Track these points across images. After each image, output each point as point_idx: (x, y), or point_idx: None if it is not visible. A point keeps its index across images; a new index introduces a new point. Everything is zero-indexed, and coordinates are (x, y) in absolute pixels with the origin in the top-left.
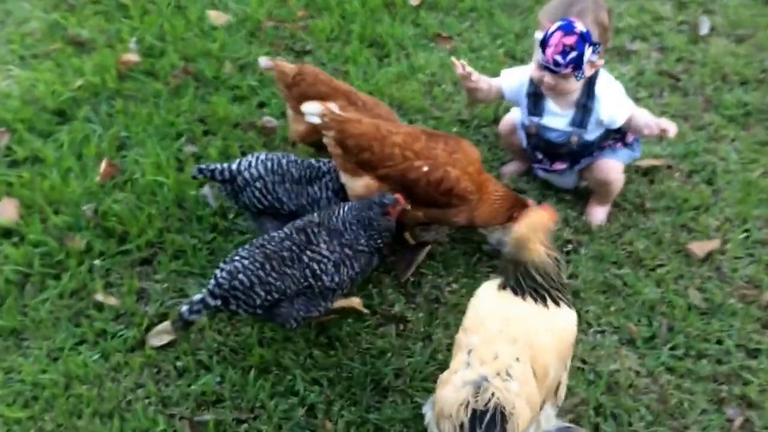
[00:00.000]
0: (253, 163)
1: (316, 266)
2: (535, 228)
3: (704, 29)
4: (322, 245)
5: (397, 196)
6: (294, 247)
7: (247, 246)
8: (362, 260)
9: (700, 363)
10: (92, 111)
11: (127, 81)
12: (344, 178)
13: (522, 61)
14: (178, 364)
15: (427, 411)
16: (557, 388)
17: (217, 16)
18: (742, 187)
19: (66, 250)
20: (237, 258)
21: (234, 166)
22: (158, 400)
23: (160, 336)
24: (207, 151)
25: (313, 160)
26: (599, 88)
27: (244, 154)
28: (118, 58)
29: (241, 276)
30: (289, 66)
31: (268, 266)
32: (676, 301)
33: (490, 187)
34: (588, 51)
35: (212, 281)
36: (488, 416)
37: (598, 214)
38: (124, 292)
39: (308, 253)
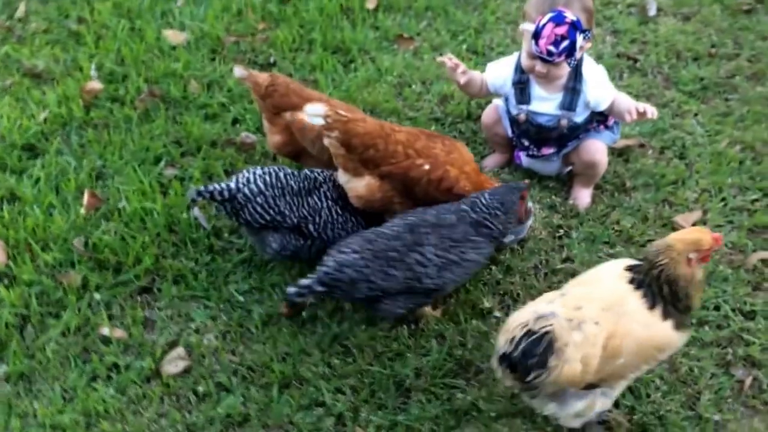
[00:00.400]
0: (252, 179)
1: (420, 269)
2: (687, 243)
3: (652, 11)
4: (429, 248)
5: (527, 182)
6: (401, 248)
7: (359, 237)
8: (485, 249)
9: (702, 330)
10: (63, 143)
11: (94, 109)
12: (345, 178)
13: (485, 56)
14: (198, 389)
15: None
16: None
17: (174, 36)
18: (713, 159)
19: (62, 287)
20: (348, 250)
21: (232, 185)
22: (184, 427)
23: (175, 363)
24: (189, 173)
25: (308, 171)
26: (586, 70)
27: (227, 172)
28: (82, 86)
29: (347, 270)
30: (262, 76)
31: (374, 265)
32: None
33: (487, 186)
34: (579, 38)
35: (323, 268)
36: (535, 337)
37: (584, 197)
38: (129, 323)
39: (414, 255)
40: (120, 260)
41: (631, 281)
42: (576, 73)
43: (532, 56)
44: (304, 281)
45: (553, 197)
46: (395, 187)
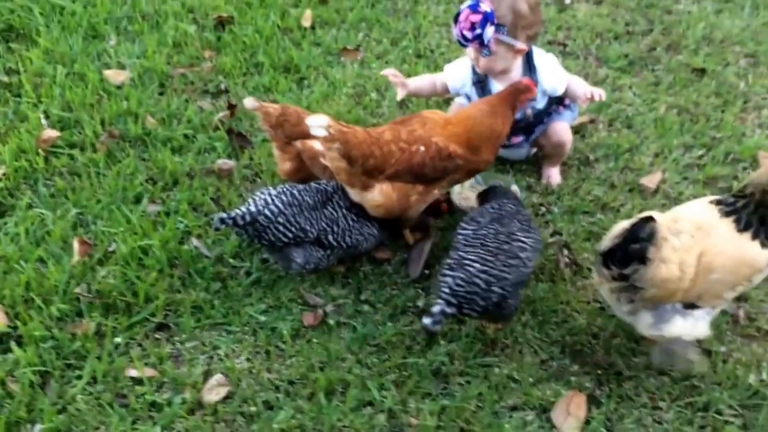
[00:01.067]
0: (270, 201)
1: (523, 255)
2: None
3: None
4: (520, 234)
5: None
6: (506, 239)
7: (460, 246)
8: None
9: None
10: (34, 196)
11: (55, 158)
12: (356, 195)
13: (428, 58)
14: (246, 410)
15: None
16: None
17: (115, 75)
18: (657, 125)
19: (77, 337)
20: (466, 262)
21: (252, 208)
22: None
23: (216, 391)
24: (173, 206)
25: (316, 185)
26: (537, 60)
27: (214, 200)
28: (38, 137)
29: (476, 279)
30: (273, 107)
31: (497, 262)
32: None
33: (459, 133)
34: (490, 29)
35: (445, 290)
36: (638, 224)
37: (555, 175)
38: (155, 361)
39: (515, 243)
40: (129, 301)
41: (728, 213)
42: (529, 66)
43: (459, 43)
44: (435, 308)
45: (528, 179)
46: (407, 181)
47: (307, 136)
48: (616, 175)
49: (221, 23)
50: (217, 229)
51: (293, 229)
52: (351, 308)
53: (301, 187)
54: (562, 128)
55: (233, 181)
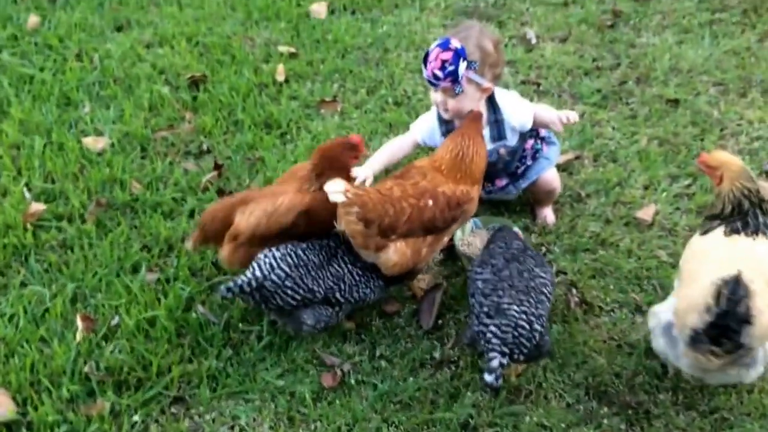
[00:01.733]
0: (275, 265)
1: (547, 290)
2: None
3: (533, 39)
4: (538, 269)
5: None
6: (530, 276)
7: (487, 291)
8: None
9: None
10: (27, 273)
11: (44, 233)
12: (371, 257)
13: (406, 105)
14: None
15: (657, 315)
16: None
17: (94, 142)
18: (641, 157)
19: (91, 418)
20: (503, 307)
21: (258, 273)
22: None
23: None
24: (173, 273)
25: (319, 241)
26: (499, 100)
27: (214, 264)
28: (24, 211)
29: (520, 321)
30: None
31: (532, 300)
32: (650, 263)
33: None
34: (462, 65)
35: (495, 340)
36: (735, 287)
37: (549, 214)
38: None
39: (537, 279)
40: (141, 376)
41: (740, 232)
42: (492, 106)
43: (430, 84)
44: (493, 363)
45: (524, 220)
46: (421, 235)
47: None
48: (609, 209)
49: (195, 83)
50: (223, 298)
51: (301, 291)
52: (368, 365)
53: (304, 245)
54: (551, 177)
55: None
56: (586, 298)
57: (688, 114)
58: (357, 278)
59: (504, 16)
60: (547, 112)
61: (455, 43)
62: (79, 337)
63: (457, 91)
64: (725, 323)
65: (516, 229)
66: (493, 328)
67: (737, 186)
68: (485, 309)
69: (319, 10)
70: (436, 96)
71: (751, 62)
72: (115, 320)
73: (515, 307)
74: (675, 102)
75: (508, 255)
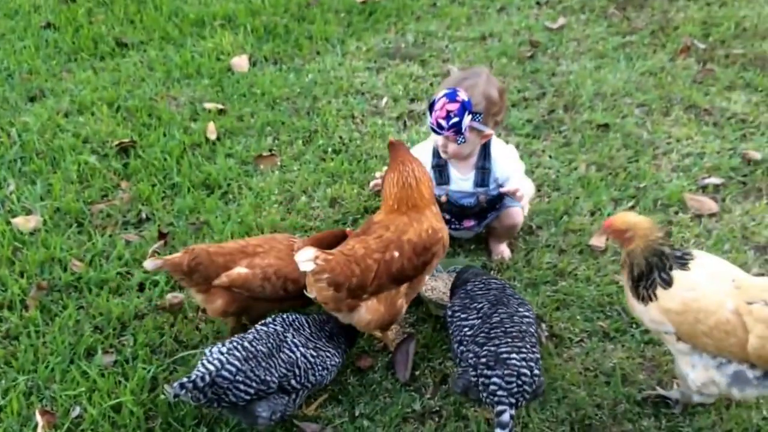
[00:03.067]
0: (225, 360)
1: (533, 329)
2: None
3: None
4: (521, 309)
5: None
6: (519, 319)
7: (480, 340)
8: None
9: None
10: None
11: None
12: (344, 317)
13: (346, 152)
14: None
15: (693, 368)
16: None
17: (25, 222)
18: (582, 183)
19: None
20: (503, 356)
21: (210, 367)
22: None
23: None
24: (132, 352)
25: (265, 328)
26: (494, 151)
27: (175, 339)
28: None
29: (522, 369)
30: (178, 256)
31: (528, 344)
32: (610, 289)
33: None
34: (467, 118)
35: (502, 393)
36: None
37: (505, 250)
38: None
39: (519, 314)
40: None
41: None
42: (485, 154)
43: (433, 131)
44: (504, 417)
45: (481, 258)
46: (393, 287)
47: (225, 268)
48: (561, 239)
49: (124, 149)
50: (176, 397)
51: (254, 384)
52: (350, 426)
53: (250, 336)
54: (515, 212)
55: (185, 312)
56: (554, 331)
57: (619, 137)
58: (311, 360)
59: (426, 54)
60: (523, 184)
61: (462, 96)
62: None
63: (459, 142)
64: None
65: (478, 267)
66: (496, 380)
67: (652, 241)
68: (483, 360)
69: (240, 63)
70: (438, 139)
71: (668, 81)
72: (76, 411)
73: (515, 356)
74: (605, 126)
75: (492, 297)
